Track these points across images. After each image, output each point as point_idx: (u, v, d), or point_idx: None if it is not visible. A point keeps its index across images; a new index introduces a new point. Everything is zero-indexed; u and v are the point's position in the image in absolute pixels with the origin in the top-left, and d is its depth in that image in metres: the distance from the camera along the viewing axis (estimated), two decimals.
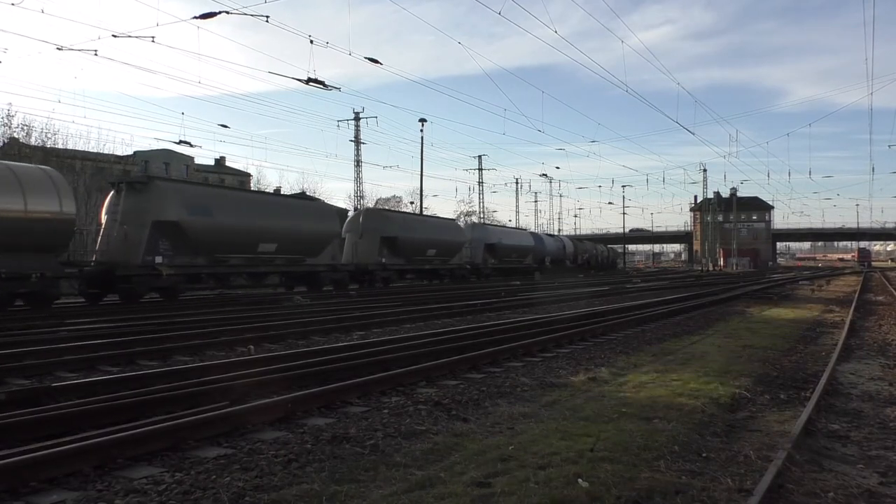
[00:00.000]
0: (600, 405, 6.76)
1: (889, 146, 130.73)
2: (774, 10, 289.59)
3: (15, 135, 38.75)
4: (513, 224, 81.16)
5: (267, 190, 63.23)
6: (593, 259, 71.97)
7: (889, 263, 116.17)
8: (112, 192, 21.12)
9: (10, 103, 68.05)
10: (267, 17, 19.01)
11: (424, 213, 54.50)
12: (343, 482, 4.39)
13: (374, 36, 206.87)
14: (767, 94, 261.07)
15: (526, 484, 4.34)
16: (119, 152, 48.37)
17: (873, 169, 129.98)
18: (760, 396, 7.54)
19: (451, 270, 39.21)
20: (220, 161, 65.29)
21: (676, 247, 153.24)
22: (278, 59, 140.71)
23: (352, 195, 58.44)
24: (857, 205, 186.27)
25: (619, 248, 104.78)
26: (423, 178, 62.55)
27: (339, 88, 24.96)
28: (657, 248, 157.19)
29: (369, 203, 61.69)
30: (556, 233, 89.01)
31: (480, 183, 76.78)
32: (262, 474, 4.55)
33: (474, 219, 75.53)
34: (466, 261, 41.69)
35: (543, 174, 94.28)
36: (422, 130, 48.27)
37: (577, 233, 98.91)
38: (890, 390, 8.16)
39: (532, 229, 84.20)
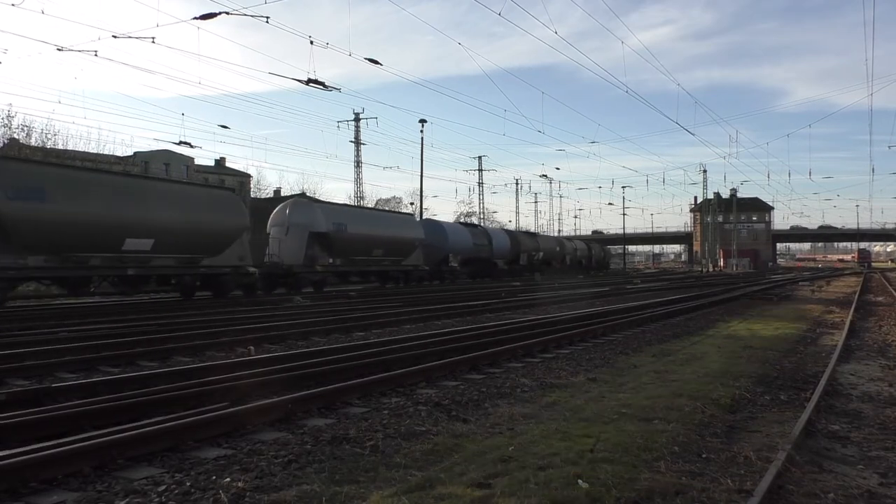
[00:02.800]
0: (600, 406, 6.76)
1: (889, 147, 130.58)
2: (774, 10, 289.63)
3: (15, 135, 38.78)
4: (512, 224, 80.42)
5: (268, 191, 63.33)
6: (558, 259, 57.72)
7: (889, 264, 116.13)
8: None
9: (11, 104, 68.11)
10: (267, 17, 19.00)
11: (424, 215, 54.02)
12: (343, 483, 4.39)
13: (374, 36, 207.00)
14: (767, 95, 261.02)
15: (526, 485, 4.34)
16: (119, 153, 48.53)
17: (873, 170, 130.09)
18: (760, 397, 7.54)
19: (212, 277, 22.37)
20: (220, 162, 65.36)
21: (676, 247, 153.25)
22: (278, 60, 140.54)
23: (352, 196, 58.48)
24: (857, 206, 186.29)
25: (618, 248, 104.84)
26: (423, 178, 62.40)
27: (338, 89, 24.90)
28: (657, 248, 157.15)
29: (369, 205, 61.61)
30: (556, 233, 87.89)
31: (480, 184, 76.91)
32: (262, 475, 4.55)
33: (474, 219, 75.24)
34: (269, 259, 26.86)
35: (543, 175, 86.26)
36: (422, 131, 48.14)
37: (577, 233, 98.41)
38: (890, 391, 8.16)
39: (521, 226, 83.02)
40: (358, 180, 57.06)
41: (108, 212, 18.26)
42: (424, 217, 49.98)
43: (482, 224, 63.42)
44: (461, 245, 40.86)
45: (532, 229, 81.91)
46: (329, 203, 35.38)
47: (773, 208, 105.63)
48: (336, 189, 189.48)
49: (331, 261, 28.37)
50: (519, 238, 50.59)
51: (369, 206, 59.93)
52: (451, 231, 40.89)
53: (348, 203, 47.27)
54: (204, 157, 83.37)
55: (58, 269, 17.68)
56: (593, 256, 68.93)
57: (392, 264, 32.90)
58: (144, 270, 19.99)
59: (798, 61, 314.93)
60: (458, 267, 40.30)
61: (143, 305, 19.35)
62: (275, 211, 28.92)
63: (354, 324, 14.31)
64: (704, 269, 77.38)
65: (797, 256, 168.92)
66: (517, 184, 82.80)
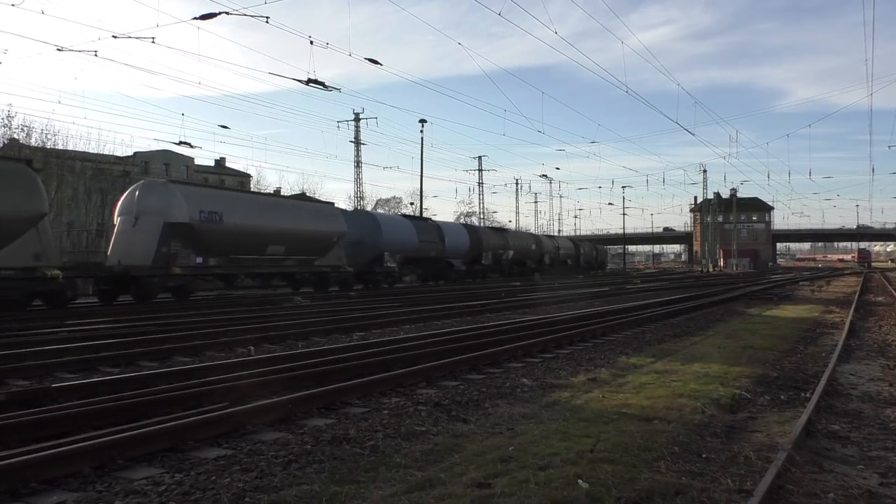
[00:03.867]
0: (600, 406, 6.76)
1: (889, 147, 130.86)
2: (774, 10, 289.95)
3: (15, 136, 38.74)
4: (513, 224, 79.84)
5: (267, 191, 63.15)
6: (534, 259, 51.01)
7: (889, 264, 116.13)
8: None
9: (11, 104, 68.07)
10: (267, 17, 19.02)
11: (424, 214, 53.76)
12: (343, 483, 4.39)
13: (374, 35, 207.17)
14: (767, 95, 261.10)
15: (526, 485, 4.34)
16: (119, 153, 48.47)
17: (873, 170, 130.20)
18: (761, 397, 7.54)
19: None
20: (220, 162, 65.35)
21: (676, 247, 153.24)
22: (278, 60, 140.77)
23: (352, 196, 58.41)
24: (857, 205, 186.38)
25: (619, 248, 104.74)
26: (423, 178, 62.15)
27: (339, 89, 24.96)
28: (657, 248, 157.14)
29: (369, 205, 61.51)
30: (556, 233, 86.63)
31: (480, 184, 76.77)
32: (262, 475, 4.55)
33: (474, 220, 75.08)
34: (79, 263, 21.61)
35: (543, 175, 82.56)
36: (422, 131, 48.01)
37: (577, 233, 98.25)
38: (890, 391, 8.16)
39: (529, 228, 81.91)
40: (358, 180, 57.02)
41: None
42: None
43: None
44: (402, 241, 33.71)
45: (532, 229, 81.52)
46: (198, 185, 27.92)
47: (773, 208, 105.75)
48: (336, 189, 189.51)
49: (199, 260, 21.56)
50: (481, 234, 44.00)
51: (369, 206, 59.65)
52: (388, 224, 33.88)
53: (232, 186, 36.54)
54: (204, 157, 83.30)
55: None
56: (582, 256, 62.46)
57: (299, 265, 26.00)
58: None
59: (798, 61, 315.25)
60: (398, 268, 33.48)
61: (142, 305, 19.33)
62: (123, 195, 22.17)
63: (354, 324, 14.31)
64: (704, 269, 77.35)
65: (797, 256, 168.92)
66: (517, 184, 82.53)
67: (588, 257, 65.08)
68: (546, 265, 52.60)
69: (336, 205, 33.62)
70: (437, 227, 39.18)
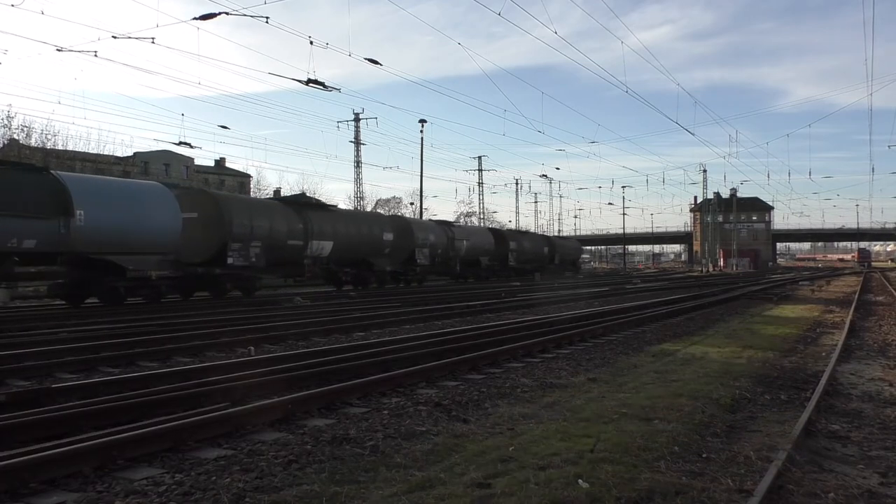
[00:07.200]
0: (600, 406, 6.76)
1: (889, 146, 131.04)
2: (774, 10, 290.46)
3: (15, 136, 38.79)
4: (512, 225, 79.06)
5: (268, 191, 63.03)
6: (395, 257, 31.62)
7: (889, 264, 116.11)
8: None
9: (10, 104, 68.14)
10: (267, 18, 19.02)
11: (425, 215, 53.47)
12: (343, 483, 4.39)
13: (374, 35, 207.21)
14: (767, 95, 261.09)
15: (526, 485, 4.34)
16: (119, 153, 48.56)
17: (873, 169, 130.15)
18: (761, 397, 7.54)
19: None
20: (219, 162, 65.38)
21: (676, 247, 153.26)
22: (278, 60, 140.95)
23: (352, 196, 58.34)
24: (857, 205, 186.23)
25: (618, 248, 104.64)
26: (423, 179, 61.96)
27: (338, 89, 24.93)
28: (657, 248, 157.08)
29: (369, 205, 61.35)
30: (556, 233, 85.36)
31: (480, 184, 76.58)
32: (262, 475, 4.55)
33: (474, 220, 74.84)
34: None
35: (543, 175, 79.62)
36: (422, 131, 47.91)
37: (577, 233, 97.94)
38: (890, 391, 8.16)
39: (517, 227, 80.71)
40: (358, 180, 56.91)
41: None
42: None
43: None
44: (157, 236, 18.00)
45: (532, 229, 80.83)
46: None
47: (773, 208, 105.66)
48: (336, 189, 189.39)
49: None
50: (274, 213, 24.20)
51: (369, 207, 59.38)
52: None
53: None
54: (204, 158, 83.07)
55: None
56: (514, 254, 44.48)
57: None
58: None
59: (798, 61, 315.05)
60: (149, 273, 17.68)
61: (142, 306, 19.32)
62: None
63: (354, 324, 14.31)
64: (704, 270, 77.25)
65: (797, 256, 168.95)
66: (517, 184, 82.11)
67: (532, 255, 47.57)
68: (422, 265, 34.66)
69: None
70: (168, 196, 19.91)
